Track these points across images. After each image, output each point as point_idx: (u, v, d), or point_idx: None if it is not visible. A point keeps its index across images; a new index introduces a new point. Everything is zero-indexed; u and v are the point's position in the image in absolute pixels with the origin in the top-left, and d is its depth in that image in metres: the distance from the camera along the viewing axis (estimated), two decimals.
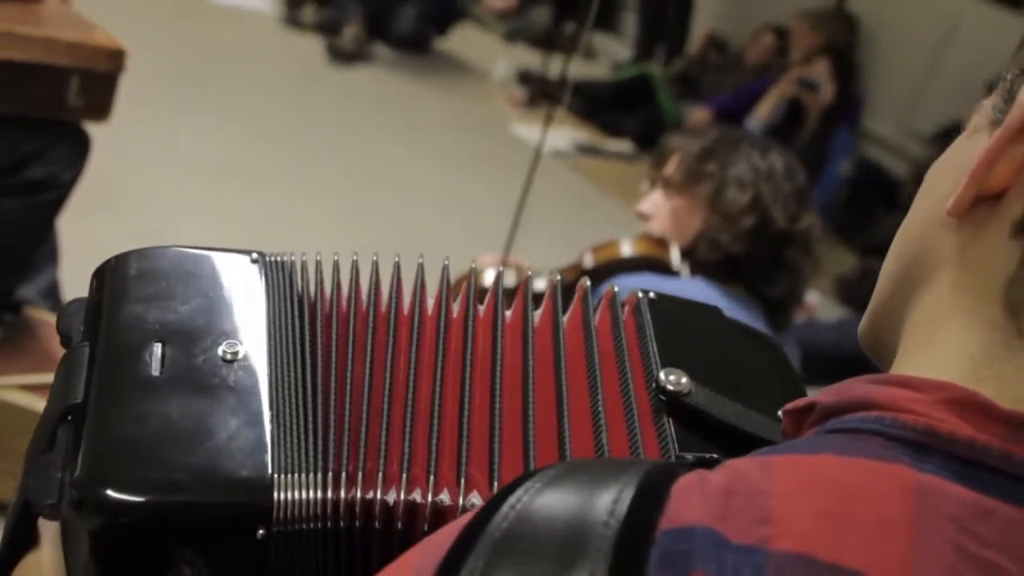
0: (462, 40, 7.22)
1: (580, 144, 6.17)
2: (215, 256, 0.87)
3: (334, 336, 0.82)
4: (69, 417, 0.74)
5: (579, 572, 0.51)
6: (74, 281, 2.79)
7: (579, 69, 7.30)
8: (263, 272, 0.86)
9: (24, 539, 0.77)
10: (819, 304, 4.70)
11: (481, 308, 0.88)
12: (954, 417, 0.55)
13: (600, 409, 0.79)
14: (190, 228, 3.75)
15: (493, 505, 0.55)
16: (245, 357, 0.77)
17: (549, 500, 0.54)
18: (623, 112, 6.54)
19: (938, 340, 0.60)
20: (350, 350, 0.81)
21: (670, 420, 0.79)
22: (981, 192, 0.58)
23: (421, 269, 0.89)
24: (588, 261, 2.06)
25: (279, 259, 0.87)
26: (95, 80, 2.24)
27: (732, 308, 1.83)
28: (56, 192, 2.28)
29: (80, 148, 2.31)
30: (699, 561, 0.50)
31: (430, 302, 0.88)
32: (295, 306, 0.83)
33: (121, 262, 0.84)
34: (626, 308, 0.89)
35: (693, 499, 0.53)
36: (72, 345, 0.81)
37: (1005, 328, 0.57)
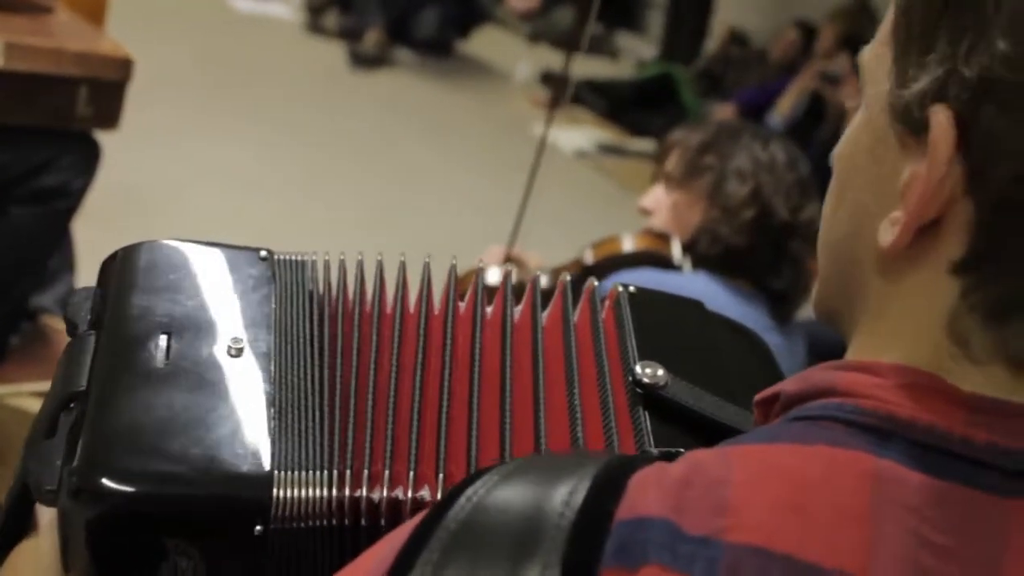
0: (484, 42, 7.22)
1: (603, 144, 6.16)
2: (224, 252, 0.87)
3: (340, 335, 0.83)
4: (72, 404, 0.74)
5: (533, 563, 0.51)
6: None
7: (603, 69, 7.29)
8: (272, 270, 0.86)
9: (21, 525, 0.78)
10: None
11: (462, 306, 0.88)
12: (913, 402, 0.55)
13: (576, 403, 0.80)
14: (211, 234, 3.77)
15: (449, 499, 0.55)
16: (251, 353, 0.78)
17: (505, 493, 0.55)
18: (646, 111, 6.52)
19: (890, 346, 0.59)
20: (340, 349, 0.82)
21: (646, 413, 0.79)
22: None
23: (403, 268, 0.89)
24: (589, 258, 2.05)
25: (289, 258, 0.88)
26: (103, 89, 2.26)
27: (734, 302, 1.82)
28: (68, 200, 2.31)
29: (90, 156, 2.34)
30: (654, 551, 0.51)
31: (422, 301, 0.88)
32: (303, 305, 0.84)
33: (130, 253, 0.85)
34: (606, 303, 0.89)
35: (650, 490, 0.53)
36: (78, 333, 0.82)
37: (952, 352, 0.56)
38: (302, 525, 0.71)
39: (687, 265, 1.90)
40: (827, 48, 5.94)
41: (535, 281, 0.89)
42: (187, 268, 0.84)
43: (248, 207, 4.14)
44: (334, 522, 0.72)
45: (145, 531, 0.69)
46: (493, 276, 1.91)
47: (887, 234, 0.57)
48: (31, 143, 2.25)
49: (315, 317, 0.83)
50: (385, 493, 0.73)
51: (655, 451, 0.73)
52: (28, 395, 2.26)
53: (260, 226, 3.99)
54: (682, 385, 0.81)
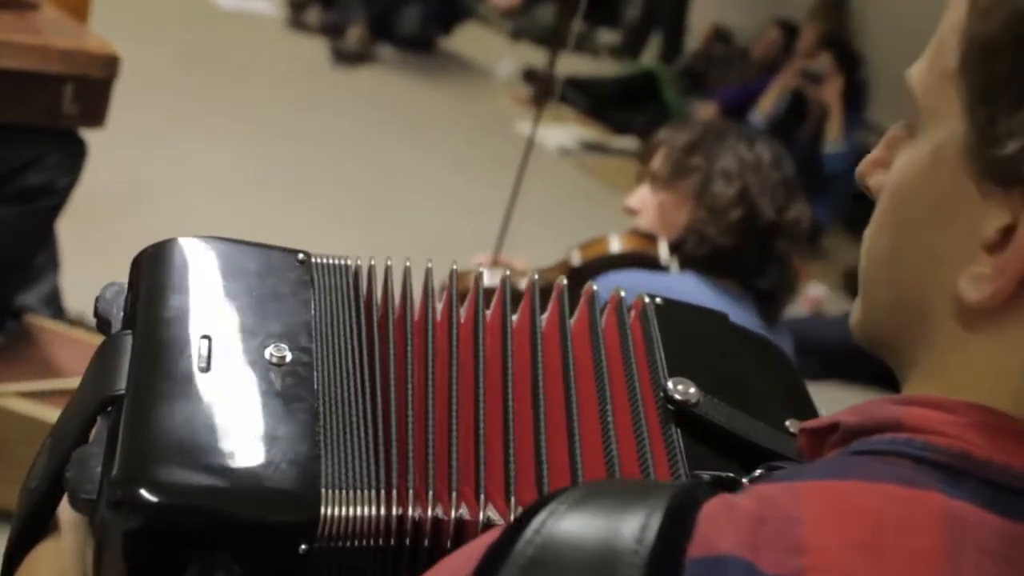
0: (467, 39, 7.21)
1: (586, 142, 6.16)
2: (261, 252, 0.84)
3: (377, 346, 0.80)
4: (108, 408, 0.72)
5: None
6: (76, 287, 2.80)
7: (585, 66, 7.29)
8: (310, 274, 0.83)
9: (42, 524, 0.75)
10: (825, 297, 4.69)
11: (488, 314, 0.86)
12: (987, 441, 0.54)
13: (609, 420, 0.78)
14: (195, 232, 3.75)
15: (516, 529, 0.54)
16: (293, 362, 0.75)
17: (574, 525, 0.53)
18: (629, 109, 6.53)
19: (963, 388, 0.58)
20: (379, 360, 0.80)
21: (678, 431, 0.78)
22: None
23: (429, 274, 0.87)
24: (576, 259, 2.05)
25: (327, 261, 0.85)
26: (89, 87, 2.25)
27: (722, 302, 1.83)
28: (53, 199, 2.30)
29: (76, 155, 2.33)
30: None
31: (439, 308, 0.86)
32: (343, 313, 0.81)
33: (163, 249, 0.82)
34: (632, 313, 0.88)
35: (722, 526, 0.52)
36: (110, 332, 0.79)
37: None
38: (347, 544, 0.69)
39: (674, 266, 1.91)
40: (808, 47, 5.96)
41: (561, 289, 0.88)
42: (223, 268, 0.81)
43: (230, 204, 4.13)
44: (380, 542, 0.70)
45: (185, 545, 0.66)
46: (489, 279, 1.91)
47: (972, 290, 0.56)
48: (16, 141, 2.23)
49: (356, 326, 0.81)
50: (429, 512, 0.71)
51: (707, 476, 0.70)
52: (14, 395, 2.24)
53: (242, 223, 3.98)
54: (714, 403, 0.79)
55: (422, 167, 5.16)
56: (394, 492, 0.71)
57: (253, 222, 4.02)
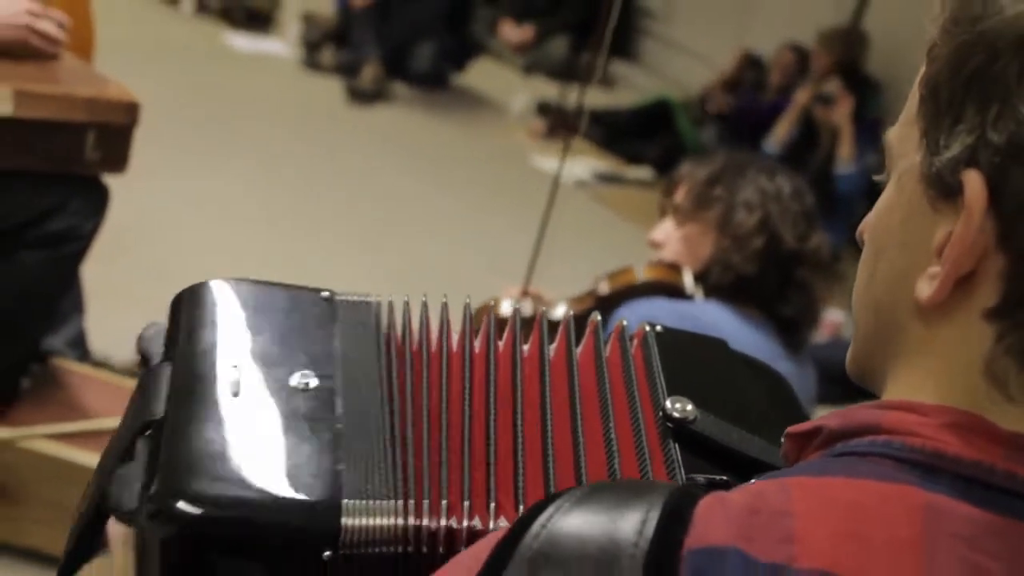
0: (480, 75, 7.26)
1: (600, 173, 6.18)
2: (287, 292, 0.93)
3: (395, 372, 0.87)
4: (148, 431, 0.79)
5: None
6: (98, 326, 2.82)
7: (598, 98, 7.32)
8: (335, 309, 0.91)
9: (92, 543, 0.82)
10: (844, 322, 4.68)
11: (500, 344, 0.93)
12: (958, 439, 0.59)
13: (612, 437, 0.84)
14: (214, 272, 3.77)
15: (523, 524, 0.59)
16: (317, 388, 0.83)
17: (577, 520, 0.58)
18: (643, 139, 6.55)
19: (926, 388, 0.63)
20: (398, 384, 0.86)
21: (676, 445, 0.83)
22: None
23: (446, 309, 0.93)
24: (603, 288, 2.08)
25: (350, 298, 0.93)
26: (111, 133, 2.28)
27: (746, 330, 1.84)
28: (77, 244, 2.33)
29: (99, 199, 2.36)
30: None
31: (455, 338, 0.93)
32: (364, 343, 0.88)
33: (198, 292, 0.91)
34: (634, 341, 0.94)
35: (717, 519, 0.57)
36: (151, 365, 0.87)
37: (989, 393, 0.61)
38: (368, 551, 0.75)
39: (699, 294, 1.93)
40: (820, 71, 5.96)
41: (568, 321, 0.93)
42: (254, 306, 0.89)
43: (248, 243, 4.15)
44: (399, 549, 0.76)
45: (216, 552, 0.73)
46: (508, 309, 1.94)
47: (926, 288, 0.62)
48: (40, 188, 2.27)
49: (376, 354, 0.87)
50: (443, 522, 0.76)
51: (701, 479, 0.78)
52: (41, 437, 2.25)
53: (261, 262, 4.00)
54: (710, 419, 0.84)
55: (438, 202, 5.18)
56: (411, 503, 0.77)
57: (271, 260, 4.04)
